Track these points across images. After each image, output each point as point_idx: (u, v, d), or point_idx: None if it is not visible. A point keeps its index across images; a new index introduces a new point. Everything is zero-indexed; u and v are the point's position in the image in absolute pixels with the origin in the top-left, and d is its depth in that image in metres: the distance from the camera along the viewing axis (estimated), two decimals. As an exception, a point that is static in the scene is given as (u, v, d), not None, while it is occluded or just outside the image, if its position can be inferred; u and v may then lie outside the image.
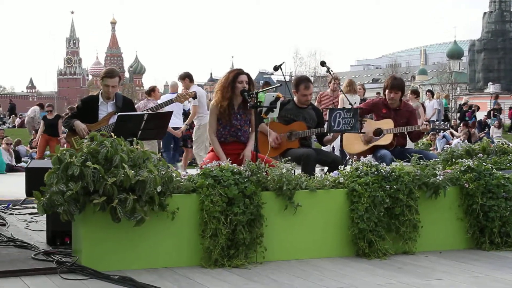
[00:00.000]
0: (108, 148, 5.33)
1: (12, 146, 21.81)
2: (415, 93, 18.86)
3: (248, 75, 7.42)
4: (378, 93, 27.38)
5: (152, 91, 15.59)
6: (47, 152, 19.97)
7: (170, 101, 9.72)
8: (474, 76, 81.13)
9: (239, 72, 7.40)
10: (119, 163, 5.30)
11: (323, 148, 10.16)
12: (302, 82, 8.45)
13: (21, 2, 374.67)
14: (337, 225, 6.21)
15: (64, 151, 5.41)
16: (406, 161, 6.74)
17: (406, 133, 8.62)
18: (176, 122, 14.53)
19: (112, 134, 5.60)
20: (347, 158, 9.38)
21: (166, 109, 9.00)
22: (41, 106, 27.68)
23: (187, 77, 13.91)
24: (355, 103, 12.37)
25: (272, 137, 8.08)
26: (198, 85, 16.71)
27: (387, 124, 8.51)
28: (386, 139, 8.44)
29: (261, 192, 5.88)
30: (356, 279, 5.33)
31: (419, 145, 18.27)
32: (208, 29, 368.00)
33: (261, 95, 7.92)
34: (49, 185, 5.34)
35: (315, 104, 14.41)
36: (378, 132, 8.50)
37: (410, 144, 9.71)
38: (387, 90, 8.64)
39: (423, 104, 20.89)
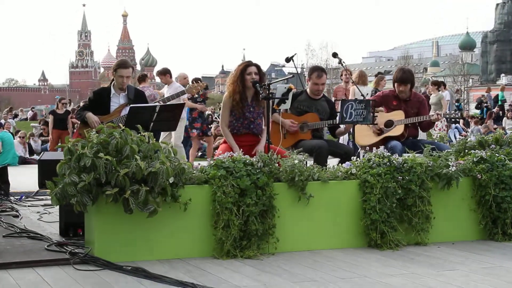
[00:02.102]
0: (118, 139, 5.34)
1: (27, 139, 21.90)
2: (436, 84, 18.81)
3: (257, 66, 7.42)
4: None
5: (146, 76, 15.30)
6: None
7: (182, 92, 9.72)
8: (486, 68, 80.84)
9: (248, 64, 7.41)
10: (129, 153, 5.31)
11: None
12: (315, 71, 8.44)
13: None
14: (349, 216, 6.20)
15: (75, 142, 5.42)
16: (419, 152, 6.73)
17: (417, 123, 8.60)
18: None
19: (121, 125, 5.61)
20: (358, 150, 9.36)
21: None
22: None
23: (167, 73, 14.06)
24: (367, 94, 12.32)
25: (288, 123, 8.07)
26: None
27: (398, 115, 8.48)
28: (397, 130, 8.42)
29: (273, 183, 5.88)
30: (369, 270, 5.33)
31: (433, 137, 18.20)
32: (219, 21, 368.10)
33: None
34: (62, 176, 5.36)
35: (331, 98, 14.37)
36: (389, 124, 8.48)
37: (422, 135, 9.67)
38: (395, 84, 8.61)
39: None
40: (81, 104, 23.26)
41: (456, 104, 35.56)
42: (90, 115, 7.81)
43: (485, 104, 33.25)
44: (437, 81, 19.43)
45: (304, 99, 8.39)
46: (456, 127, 24.61)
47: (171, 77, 14.25)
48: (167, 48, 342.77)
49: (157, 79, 15.74)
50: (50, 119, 20.53)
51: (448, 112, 8.93)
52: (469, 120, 29.11)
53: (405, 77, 8.55)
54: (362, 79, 14.05)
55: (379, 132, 8.51)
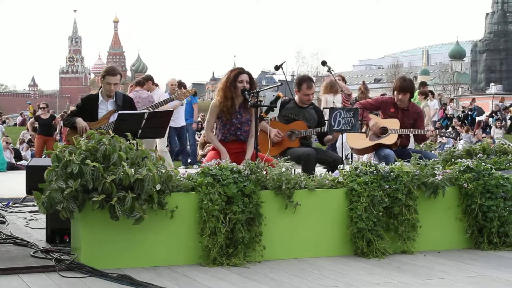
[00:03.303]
0: (106, 146, 5.34)
1: (11, 144, 21.80)
2: (423, 93, 18.99)
3: (249, 74, 7.43)
4: (383, 94, 27.45)
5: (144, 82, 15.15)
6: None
7: (171, 99, 9.73)
8: (476, 77, 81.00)
9: (240, 71, 7.41)
10: (117, 160, 5.31)
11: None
12: (304, 81, 8.45)
13: (24, 0, 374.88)
14: (336, 224, 6.21)
15: (63, 149, 5.42)
16: (406, 161, 6.75)
17: (411, 134, 8.64)
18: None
19: (110, 131, 5.61)
20: (347, 153, 9.40)
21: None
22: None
23: (149, 80, 14.10)
24: (333, 102, 12.53)
25: (274, 132, 8.09)
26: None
27: (393, 123, 8.51)
28: (391, 139, 8.44)
29: (260, 191, 5.88)
30: (355, 278, 5.33)
31: (421, 146, 18.29)
32: (210, 28, 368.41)
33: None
34: (49, 182, 5.35)
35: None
36: (383, 131, 8.51)
37: (411, 144, 9.72)
38: (395, 92, 8.65)
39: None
40: (71, 108, 23.17)
41: (471, 113, 35.93)
42: (79, 120, 7.82)
43: (496, 114, 33.70)
44: (424, 91, 19.58)
45: (292, 107, 8.42)
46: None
47: (153, 83, 14.30)
48: (158, 54, 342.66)
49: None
50: (35, 124, 20.38)
51: (443, 131, 8.99)
52: (458, 128, 29.20)
53: (406, 85, 8.61)
54: (332, 89, 14.14)
55: (374, 136, 8.53)
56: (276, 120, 8.26)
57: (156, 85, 15.05)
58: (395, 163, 6.55)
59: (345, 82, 15.50)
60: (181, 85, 16.13)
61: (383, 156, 8.19)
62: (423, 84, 19.14)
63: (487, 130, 30.78)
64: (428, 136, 8.54)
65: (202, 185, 5.70)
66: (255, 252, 5.81)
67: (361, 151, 8.91)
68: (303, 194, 6.08)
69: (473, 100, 42.27)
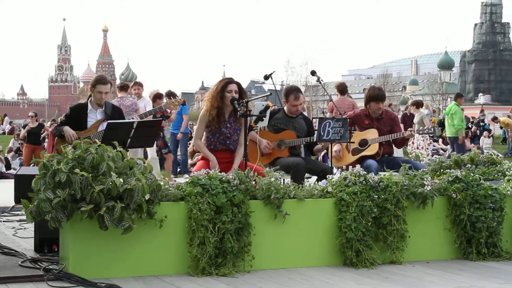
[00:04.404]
0: (94, 155, 5.33)
1: (3, 154, 21.72)
2: (415, 104, 19.10)
3: (238, 84, 7.41)
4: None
5: (127, 86, 14.70)
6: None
7: (160, 108, 9.73)
8: (464, 87, 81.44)
9: (229, 81, 7.39)
10: (106, 170, 5.30)
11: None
12: (291, 92, 8.45)
13: (13, 8, 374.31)
14: (325, 234, 6.21)
15: (51, 158, 5.40)
16: (395, 171, 6.76)
17: (391, 140, 8.65)
18: None
19: (97, 140, 5.59)
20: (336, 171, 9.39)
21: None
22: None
23: (141, 86, 14.02)
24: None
25: (264, 144, 8.09)
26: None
27: (371, 134, 8.52)
28: (372, 149, 8.45)
29: (249, 201, 5.88)
30: (343, 288, 5.34)
31: (410, 156, 18.35)
32: (200, 37, 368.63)
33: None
34: (37, 191, 5.33)
35: (327, 114, 14.52)
36: (364, 143, 8.52)
37: (398, 152, 9.74)
38: (372, 102, 8.63)
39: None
40: (62, 117, 23.04)
41: (482, 124, 36.11)
42: (67, 129, 7.78)
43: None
44: (417, 101, 19.70)
45: (281, 117, 8.43)
46: (433, 146, 24.75)
47: (142, 89, 14.21)
48: (147, 63, 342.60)
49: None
50: (23, 132, 20.27)
51: (421, 128, 9.02)
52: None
53: (381, 94, 8.65)
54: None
55: (356, 149, 8.54)
56: (266, 129, 8.27)
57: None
58: (381, 172, 6.55)
59: (344, 93, 15.35)
60: (171, 95, 16.04)
61: (365, 167, 8.18)
62: (460, 95, 19.13)
63: (476, 140, 30.87)
64: (407, 137, 8.56)
65: (191, 194, 5.69)
66: (244, 262, 5.81)
67: (347, 167, 8.92)
68: (292, 204, 6.08)
69: (482, 110, 42.42)
